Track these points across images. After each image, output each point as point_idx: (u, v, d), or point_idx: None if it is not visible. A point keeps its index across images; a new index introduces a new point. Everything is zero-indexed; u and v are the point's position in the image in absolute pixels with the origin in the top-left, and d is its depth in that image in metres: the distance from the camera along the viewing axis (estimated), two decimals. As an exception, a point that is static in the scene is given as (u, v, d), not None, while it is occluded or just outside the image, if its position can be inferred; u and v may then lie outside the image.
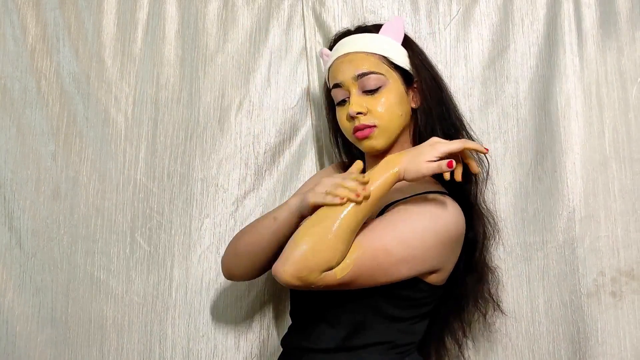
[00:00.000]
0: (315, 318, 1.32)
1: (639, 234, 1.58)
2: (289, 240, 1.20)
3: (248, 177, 1.67)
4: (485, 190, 1.48)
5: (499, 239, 1.50)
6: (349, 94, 1.36)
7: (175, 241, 1.65)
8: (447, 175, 1.22)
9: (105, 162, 1.67)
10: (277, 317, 1.64)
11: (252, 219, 1.63)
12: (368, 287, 1.23)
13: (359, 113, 1.34)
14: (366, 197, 1.18)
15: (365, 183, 1.19)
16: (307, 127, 1.69)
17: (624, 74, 1.63)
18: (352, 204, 1.18)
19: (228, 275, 1.48)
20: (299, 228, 1.21)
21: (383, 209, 1.30)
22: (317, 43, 1.68)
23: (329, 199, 1.19)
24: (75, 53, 1.70)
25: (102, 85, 1.69)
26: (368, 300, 1.27)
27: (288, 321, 1.48)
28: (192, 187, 1.66)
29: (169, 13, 1.71)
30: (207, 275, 1.63)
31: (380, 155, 1.38)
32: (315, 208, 1.23)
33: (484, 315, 1.52)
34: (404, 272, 1.24)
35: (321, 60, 1.57)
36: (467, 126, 1.43)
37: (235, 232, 1.61)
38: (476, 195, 1.41)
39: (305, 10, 1.70)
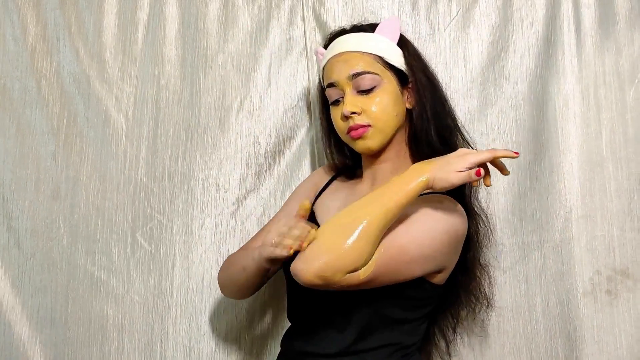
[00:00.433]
0: (320, 322, 1.31)
1: (634, 234, 1.59)
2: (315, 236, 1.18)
3: (249, 177, 1.66)
4: (484, 190, 1.50)
5: (492, 237, 1.51)
6: (343, 93, 1.35)
7: (176, 241, 1.64)
8: (476, 183, 1.23)
9: (106, 162, 1.66)
10: (278, 317, 1.64)
11: (252, 219, 1.65)
12: (374, 291, 1.23)
13: (353, 113, 1.33)
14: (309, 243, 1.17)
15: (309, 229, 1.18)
16: (307, 127, 1.68)
17: (622, 75, 1.63)
18: (384, 207, 1.17)
19: (223, 294, 1.52)
20: (327, 225, 1.19)
21: None
22: (317, 43, 1.67)
23: (278, 252, 1.18)
24: (76, 53, 1.68)
25: (102, 85, 1.68)
26: (374, 305, 1.27)
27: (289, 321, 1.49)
28: (193, 187, 1.65)
29: (169, 13, 1.70)
30: (208, 275, 1.63)
31: (375, 155, 1.38)
32: (273, 259, 1.22)
33: (475, 313, 1.53)
34: (417, 271, 1.25)
35: (316, 59, 1.57)
36: (462, 127, 1.43)
37: (236, 232, 1.64)
38: (470, 195, 1.41)
39: (305, 10, 1.69)
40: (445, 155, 1.24)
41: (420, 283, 1.29)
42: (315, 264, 1.14)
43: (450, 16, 1.67)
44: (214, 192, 1.65)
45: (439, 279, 1.32)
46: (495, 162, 1.25)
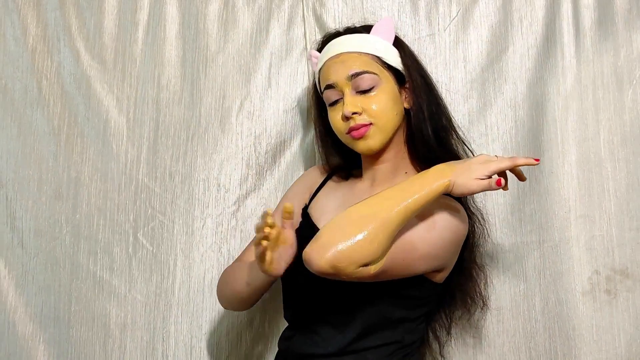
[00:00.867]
0: (319, 322, 1.30)
1: (633, 233, 1.58)
2: (330, 224, 1.16)
3: (249, 177, 1.66)
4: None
5: (488, 237, 1.50)
6: (343, 94, 1.33)
7: (177, 240, 1.64)
8: (505, 187, 1.23)
9: (107, 163, 1.65)
10: (278, 316, 1.62)
11: (253, 219, 1.64)
12: (375, 290, 1.23)
13: (354, 113, 1.31)
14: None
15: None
16: (307, 127, 1.67)
17: (620, 76, 1.62)
18: (404, 203, 1.16)
19: (222, 305, 1.51)
20: (345, 213, 1.17)
21: None
22: (317, 44, 1.67)
23: (266, 269, 1.23)
24: (76, 54, 1.67)
25: (103, 86, 1.67)
26: (375, 304, 1.27)
27: (289, 320, 1.49)
28: (193, 187, 1.65)
29: (169, 14, 1.69)
30: (209, 274, 1.62)
31: (374, 155, 1.37)
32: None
33: (471, 313, 1.53)
34: (422, 267, 1.25)
35: (310, 63, 1.56)
36: (457, 127, 1.42)
37: (237, 232, 1.64)
38: (466, 196, 1.40)
39: (305, 11, 1.68)
40: (467, 160, 1.23)
41: (420, 281, 1.28)
42: (331, 252, 1.11)
43: (450, 17, 1.66)
44: (215, 192, 1.65)
45: (439, 277, 1.32)
46: (514, 169, 1.24)
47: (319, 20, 1.68)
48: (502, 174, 1.24)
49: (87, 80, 1.67)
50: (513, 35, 1.65)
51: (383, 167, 1.39)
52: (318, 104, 1.46)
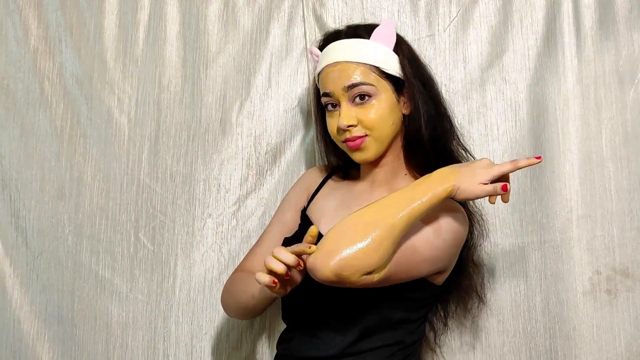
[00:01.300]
0: (319, 325, 1.29)
1: (634, 233, 1.56)
2: (333, 231, 1.14)
3: (250, 177, 1.65)
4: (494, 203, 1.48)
5: (487, 237, 1.48)
6: (339, 103, 1.32)
7: (178, 240, 1.63)
8: (493, 199, 1.21)
9: (109, 163, 1.65)
10: (279, 317, 1.62)
11: (253, 219, 1.64)
12: (376, 293, 1.21)
13: (350, 126, 1.30)
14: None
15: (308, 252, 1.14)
16: (308, 127, 1.66)
17: (622, 75, 1.59)
18: (408, 209, 1.15)
19: (227, 314, 1.48)
20: (349, 220, 1.15)
21: None
22: (318, 41, 1.66)
23: (275, 292, 1.18)
24: (78, 54, 1.67)
25: (104, 86, 1.66)
26: (376, 306, 1.26)
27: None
28: (194, 187, 1.64)
29: (170, 14, 1.68)
30: (210, 274, 1.62)
31: (372, 162, 1.36)
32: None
33: (467, 310, 1.53)
34: (424, 271, 1.24)
35: (310, 58, 1.55)
36: (458, 131, 1.40)
37: (237, 232, 1.63)
38: None
39: (305, 11, 1.67)
40: (470, 164, 1.22)
41: (421, 284, 1.27)
42: (335, 261, 1.09)
43: (450, 17, 1.64)
44: (215, 192, 1.64)
45: (440, 279, 1.32)
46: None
47: (319, 20, 1.66)
48: (505, 178, 1.21)
49: (89, 81, 1.66)
50: (513, 36, 1.63)
51: (382, 170, 1.38)
52: (318, 102, 1.44)
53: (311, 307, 1.30)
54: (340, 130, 1.32)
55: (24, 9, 1.67)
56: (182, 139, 1.66)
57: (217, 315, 1.61)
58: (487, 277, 1.57)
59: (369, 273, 1.12)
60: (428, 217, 1.22)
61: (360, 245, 1.11)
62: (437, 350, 1.57)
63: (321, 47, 1.40)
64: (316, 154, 1.64)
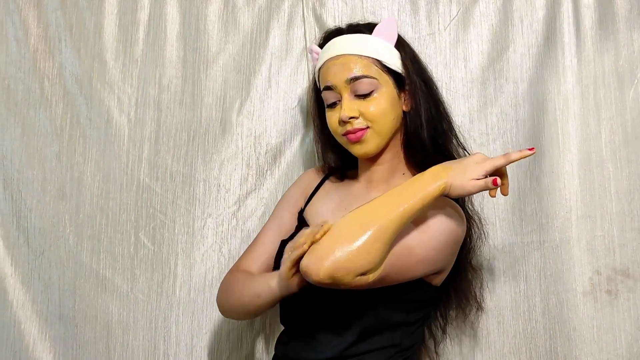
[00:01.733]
0: (317, 326, 1.28)
1: (634, 234, 1.55)
2: (327, 233, 1.13)
3: (250, 177, 1.64)
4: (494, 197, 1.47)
5: (485, 241, 1.47)
6: (341, 97, 1.31)
7: (178, 240, 1.62)
8: (493, 193, 1.19)
9: (109, 163, 1.64)
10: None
11: (253, 219, 1.63)
12: (373, 294, 1.20)
13: (351, 117, 1.29)
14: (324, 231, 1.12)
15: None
16: (307, 127, 1.65)
17: (622, 75, 1.58)
18: (401, 209, 1.14)
19: (222, 314, 1.45)
20: (341, 222, 1.14)
21: None
22: (319, 39, 1.65)
23: (294, 254, 1.14)
24: (77, 54, 1.66)
25: (104, 86, 1.65)
26: (374, 308, 1.24)
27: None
28: (194, 187, 1.63)
29: (170, 14, 1.67)
30: (210, 274, 1.61)
31: (371, 158, 1.35)
32: (302, 287, 1.17)
33: (466, 314, 1.52)
34: (421, 271, 1.23)
35: (310, 57, 1.54)
36: (457, 131, 1.39)
37: (237, 232, 1.62)
38: (464, 197, 1.38)
39: (305, 11, 1.65)
40: (462, 160, 1.20)
41: (419, 285, 1.26)
42: (329, 263, 1.09)
43: (450, 16, 1.63)
44: (215, 192, 1.63)
45: (438, 280, 1.30)
46: (503, 180, 1.21)
47: (319, 20, 1.65)
48: (500, 174, 1.20)
49: (89, 81, 1.65)
50: (513, 35, 1.61)
51: (380, 168, 1.36)
52: (317, 100, 1.43)
53: (309, 309, 1.28)
54: (342, 122, 1.31)
55: (23, 8, 1.66)
56: (182, 139, 1.65)
57: (217, 315, 1.60)
58: (487, 278, 1.56)
59: (364, 274, 1.11)
60: (424, 216, 1.21)
61: (353, 246, 1.10)
62: (443, 347, 1.56)
63: (322, 45, 1.39)
64: (316, 154, 1.64)
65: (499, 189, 1.20)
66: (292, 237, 1.29)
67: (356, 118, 1.30)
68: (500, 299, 1.56)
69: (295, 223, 1.41)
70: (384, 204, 1.15)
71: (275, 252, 1.37)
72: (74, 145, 1.65)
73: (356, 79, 1.29)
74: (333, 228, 1.13)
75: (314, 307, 1.27)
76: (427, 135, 1.32)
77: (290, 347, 1.32)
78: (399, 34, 1.37)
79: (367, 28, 1.35)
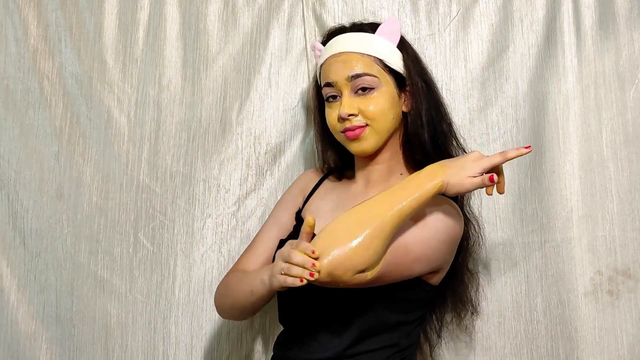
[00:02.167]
0: (315, 327, 1.27)
1: (636, 234, 1.54)
2: (324, 231, 1.12)
3: (249, 177, 1.63)
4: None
5: (483, 245, 1.47)
6: (341, 94, 1.31)
7: (178, 240, 1.61)
8: (490, 190, 1.19)
9: (109, 163, 1.63)
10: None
11: (253, 219, 1.62)
12: (371, 294, 1.19)
13: (350, 115, 1.29)
14: (318, 271, 1.08)
15: (314, 257, 1.09)
16: (307, 127, 1.64)
17: (622, 75, 1.58)
18: (398, 207, 1.13)
19: (220, 315, 1.44)
20: (339, 220, 1.13)
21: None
22: (321, 37, 1.64)
23: (289, 282, 1.09)
24: (77, 54, 1.65)
25: (104, 86, 1.65)
26: (372, 308, 1.24)
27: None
28: (194, 187, 1.62)
29: (169, 14, 1.66)
30: (210, 274, 1.60)
31: (369, 157, 1.34)
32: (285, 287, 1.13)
33: (461, 318, 1.51)
34: (418, 270, 1.22)
35: (312, 54, 1.54)
36: (457, 133, 1.39)
37: (237, 232, 1.61)
38: (463, 200, 1.38)
39: (305, 11, 1.65)
40: (460, 159, 1.20)
41: (416, 284, 1.25)
42: (327, 261, 1.08)
43: (450, 16, 1.62)
44: (215, 193, 1.62)
45: (436, 279, 1.29)
46: (499, 178, 1.20)
47: (319, 20, 1.65)
48: (496, 172, 1.19)
49: (89, 81, 1.64)
50: (514, 35, 1.61)
51: (378, 168, 1.36)
52: (318, 97, 1.42)
53: (307, 309, 1.27)
54: (341, 119, 1.30)
55: (23, 8, 1.66)
56: (181, 139, 1.64)
57: (216, 315, 1.57)
58: (487, 279, 1.56)
59: (362, 272, 1.11)
60: (421, 215, 1.21)
61: (351, 244, 1.09)
62: (437, 351, 1.55)
63: (324, 42, 1.39)
64: (316, 154, 1.63)
65: (495, 187, 1.20)
66: (290, 237, 1.28)
67: (355, 115, 1.29)
68: (501, 299, 1.55)
69: (294, 223, 1.40)
70: (381, 201, 1.15)
71: (274, 252, 1.36)
72: (73, 145, 1.64)
73: (357, 76, 1.29)
74: (330, 226, 1.13)
75: (313, 307, 1.26)
76: (428, 137, 1.31)
77: (288, 348, 1.31)
78: (402, 35, 1.37)
79: (370, 27, 1.36)
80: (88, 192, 1.63)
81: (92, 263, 1.61)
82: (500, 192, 1.22)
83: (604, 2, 1.61)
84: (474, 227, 1.40)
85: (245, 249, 1.45)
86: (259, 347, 1.61)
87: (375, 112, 1.29)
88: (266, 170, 1.64)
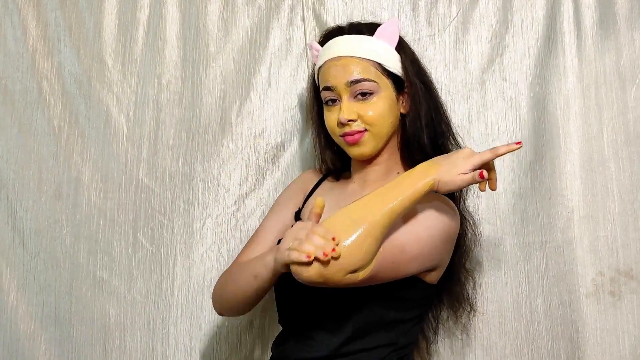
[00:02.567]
0: (313, 326, 1.26)
1: (638, 234, 1.53)
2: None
3: (249, 177, 1.62)
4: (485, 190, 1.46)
5: (479, 243, 1.46)
6: (340, 98, 1.30)
7: (177, 241, 1.60)
8: (483, 187, 1.19)
9: (108, 163, 1.62)
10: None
11: (253, 219, 1.61)
12: (369, 292, 1.18)
13: (350, 120, 1.28)
14: (334, 258, 1.07)
15: (335, 243, 1.07)
16: (307, 127, 1.63)
17: (623, 75, 1.57)
18: (390, 205, 1.13)
19: (218, 312, 1.41)
20: (332, 219, 1.12)
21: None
22: (319, 36, 1.64)
23: (295, 256, 1.07)
24: (77, 54, 1.64)
25: (103, 86, 1.64)
26: (369, 306, 1.23)
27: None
28: (193, 187, 1.62)
29: (169, 14, 1.66)
30: (209, 275, 1.59)
31: (367, 160, 1.34)
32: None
33: (458, 317, 1.50)
34: (414, 269, 1.21)
35: (309, 53, 1.53)
36: (456, 133, 1.38)
37: (237, 232, 1.61)
38: (459, 198, 1.37)
39: (305, 10, 1.65)
40: (451, 155, 1.19)
41: (414, 282, 1.24)
42: (317, 262, 1.07)
43: (450, 17, 1.62)
44: (215, 193, 1.62)
45: (433, 277, 1.28)
46: (490, 175, 1.19)
47: (319, 20, 1.64)
48: (488, 169, 1.19)
49: (88, 81, 1.64)
50: (514, 35, 1.61)
51: (376, 169, 1.35)
52: (316, 97, 1.41)
53: (305, 308, 1.27)
54: (340, 124, 1.30)
55: (22, 8, 1.65)
56: (181, 139, 1.63)
57: (216, 316, 1.57)
58: (488, 279, 1.55)
59: (353, 272, 1.10)
60: (415, 213, 1.20)
61: (346, 242, 1.08)
62: (438, 352, 1.54)
63: (322, 42, 1.38)
64: (316, 153, 1.63)
65: (488, 183, 1.19)
66: None
67: (354, 121, 1.29)
68: (501, 300, 1.54)
69: (293, 222, 1.39)
70: (373, 200, 1.15)
71: None
72: (72, 145, 1.63)
73: (356, 82, 1.29)
74: (324, 224, 1.12)
75: (311, 306, 1.26)
76: (427, 138, 1.31)
77: (286, 347, 1.31)
78: (400, 35, 1.36)
79: (369, 29, 1.34)
80: (87, 192, 1.62)
81: (91, 263, 1.61)
82: (493, 188, 1.21)
83: (605, 2, 1.60)
84: (470, 225, 1.39)
85: (245, 245, 1.43)
86: (257, 348, 1.60)
87: (374, 117, 1.29)
88: (266, 170, 1.63)
